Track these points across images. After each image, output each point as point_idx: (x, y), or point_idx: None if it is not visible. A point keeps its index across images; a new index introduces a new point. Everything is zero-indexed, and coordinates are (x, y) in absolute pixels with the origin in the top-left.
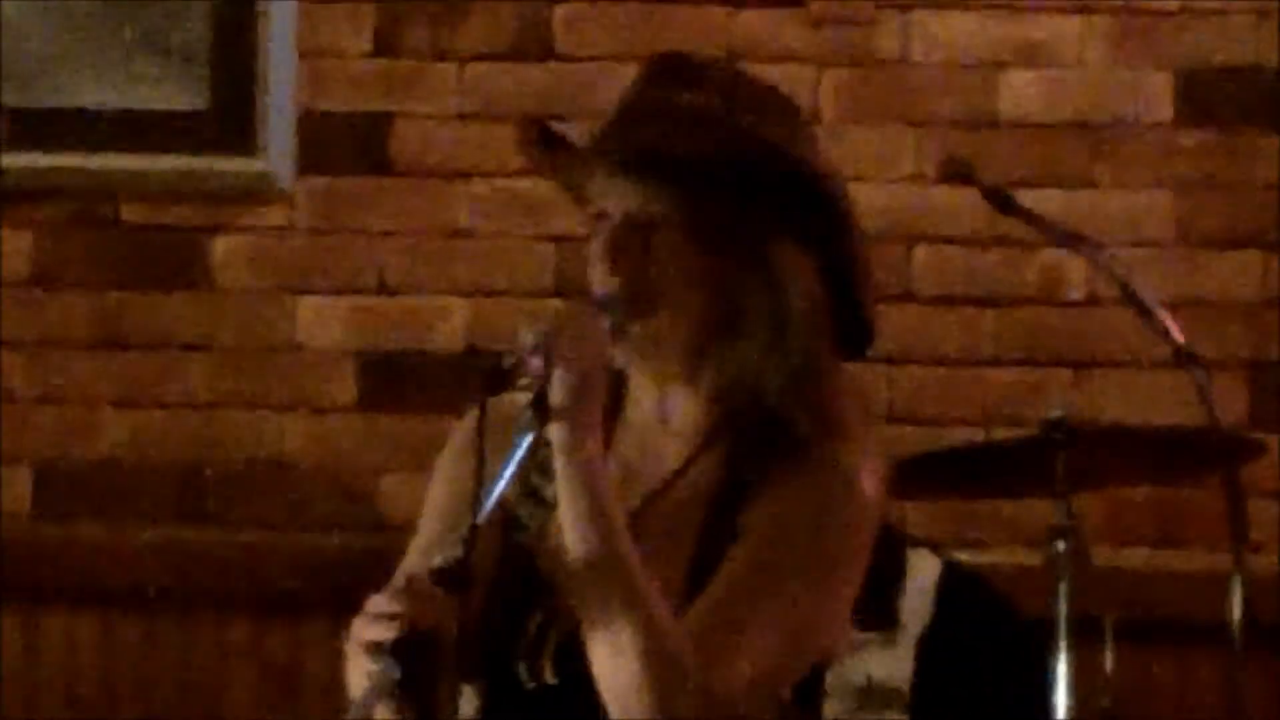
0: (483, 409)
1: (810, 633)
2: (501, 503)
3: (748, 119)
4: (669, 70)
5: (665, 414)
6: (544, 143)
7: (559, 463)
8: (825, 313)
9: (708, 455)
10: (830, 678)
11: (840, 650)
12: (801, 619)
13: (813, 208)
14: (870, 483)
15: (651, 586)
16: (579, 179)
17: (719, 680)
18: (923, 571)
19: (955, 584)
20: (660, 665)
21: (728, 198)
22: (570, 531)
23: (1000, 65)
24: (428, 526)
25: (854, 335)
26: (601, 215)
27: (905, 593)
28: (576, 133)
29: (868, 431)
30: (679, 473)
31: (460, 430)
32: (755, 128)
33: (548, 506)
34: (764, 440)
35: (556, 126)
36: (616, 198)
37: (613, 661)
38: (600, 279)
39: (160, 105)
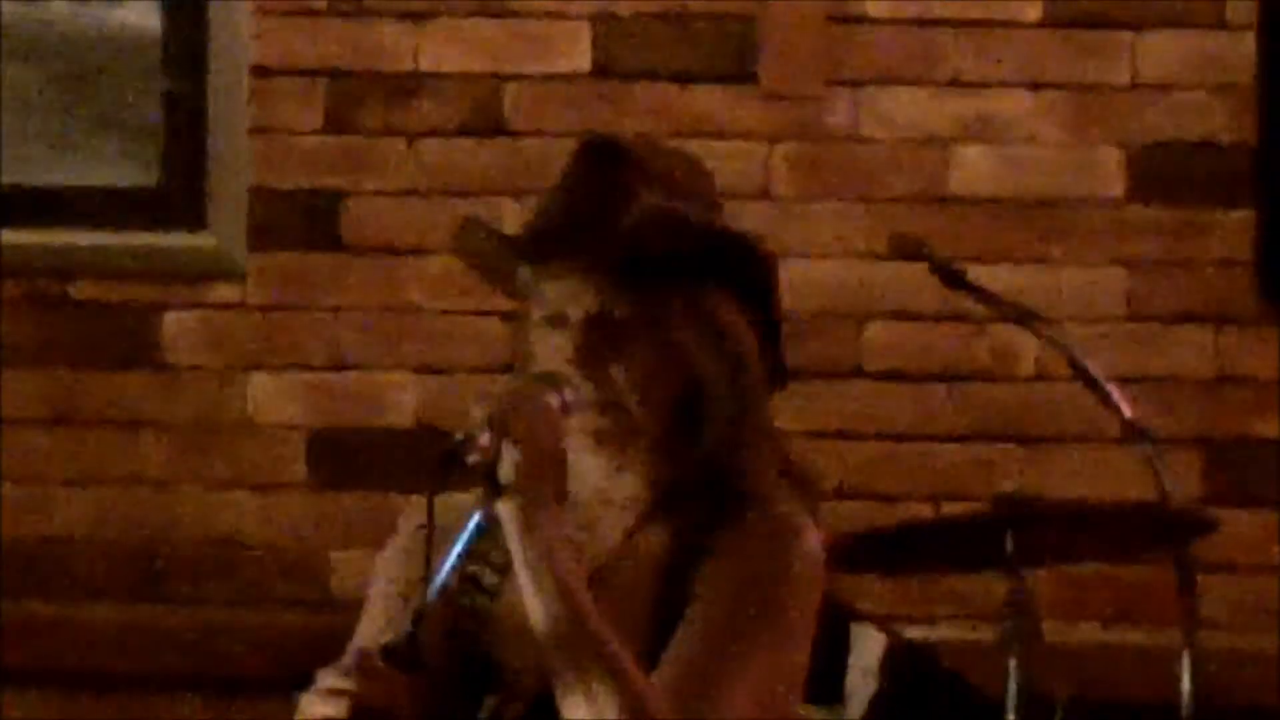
0: (431, 490)
1: (778, 682)
2: (444, 590)
3: (693, 207)
4: (605, 161)
5: (609, 492)
6: (489, 245)
7: (512, 539)
8: (763, 369)
9: (653, 525)
10: None
11: (800, 699)
12: (768, 670)
13: (748, 271)
14: (813, 535)
15: (625, 652)
16: (526, 280)
17: None
18: (867, 647)
19: (901, 660)
20: None
21: (685, 286)
22: (534, 607)
23: (952, 141)
24: (376, 607)
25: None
26: (555, 318)
27: (850, 668)
28: (520, 228)
29: (807, 490)
30: (625, 544)
31: (407, 514)
32: (702, 214)
33: (487, 593)
34: (709, 504)
35: (494, 230)
36: (576, 301)
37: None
38: (572, 383)
39: (112, 182)
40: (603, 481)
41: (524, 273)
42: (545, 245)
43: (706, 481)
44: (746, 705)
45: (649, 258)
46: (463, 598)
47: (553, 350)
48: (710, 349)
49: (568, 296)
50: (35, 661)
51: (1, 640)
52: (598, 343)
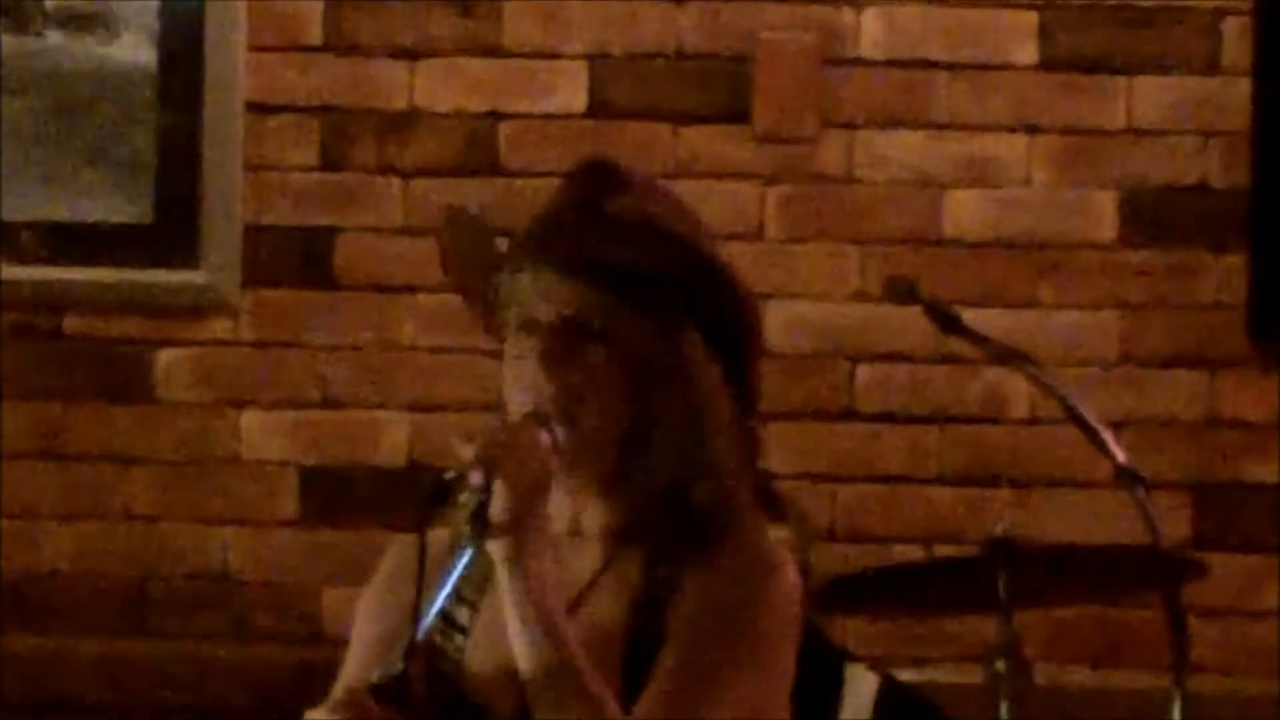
0: (421, 528)
1: (760, 713)
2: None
3: (681, 227)
4: (598, 176)
5: (577, 523)
6: (474, 239)
7: (502, 577)
8: (730, 405)
9: (623, 558)
10: None
11: None
12: (748, 702)
13: (728, 312)
14: (787, 566)
15: (606, 690)
16: (501, 282)
17: None
18: (860, 688)
19: (894, 701)
20: None
21: (657, 306)
22: (519, 642)
23: (945, 184)
24: (362, 645)
25: (749, 439)
26: (528, 322)
27: (843, 709)
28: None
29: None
30: (596, 579)
31: (393, 552)
32: (688, 235)
33: (463, 632)
34: (679, 537)
35: (479, 221)
36: (550, 303)
37: None
38: (535, 385)
39: (104, 218)
40: (571, 511)
41: (501, 277)
42: (527, 243)
43: (669, 513)
44: None
45: (626, 273)
46: (438, 636)
47: (522, 354)
48: (668, 383)
49: (542, 298)
50: (24, 695)
51: None
52: (565, 347)
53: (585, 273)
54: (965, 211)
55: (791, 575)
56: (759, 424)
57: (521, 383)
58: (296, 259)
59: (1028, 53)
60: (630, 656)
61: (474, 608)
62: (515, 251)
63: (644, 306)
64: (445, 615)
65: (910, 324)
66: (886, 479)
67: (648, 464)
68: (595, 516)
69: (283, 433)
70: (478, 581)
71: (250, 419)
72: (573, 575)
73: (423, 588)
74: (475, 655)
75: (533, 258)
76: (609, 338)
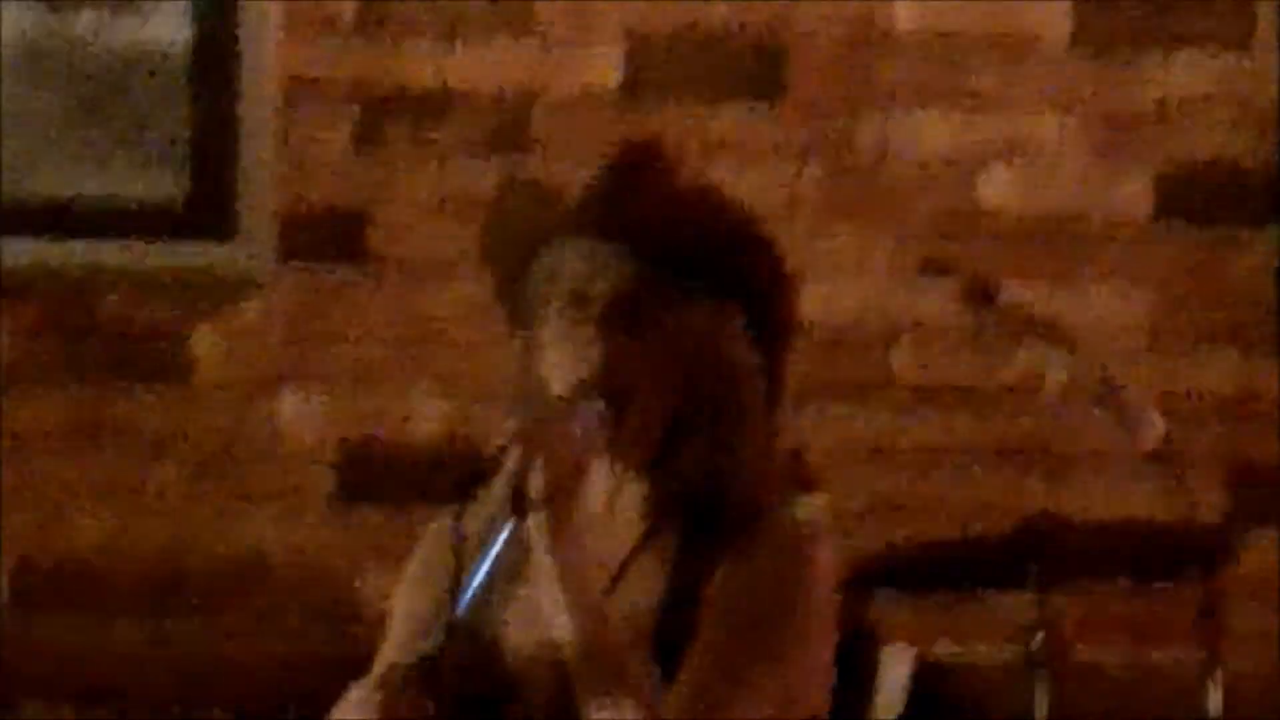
0: (460, 503)
1: (796, 695)
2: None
3: (732, 211)
4: (651, 155)
5: (615, 502)
6: (528, 208)
7: (539, 555)
8: (763, 385)
9: (660, 538)
10: None
11: (826, 710)
12: (785, 684)
13: (771, 295)
14: (823, 543)
15: (645, 667)
16: (543, 251)
17: None
18: (896, 669)
19: (929, 681)
20: None
21: (708, 287)
22: (558, 620)
23: (979, 163)
24: (401, 624)
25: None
26: (578, 298)
27: (878, 689)
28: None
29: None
30: (632, 558)
31: (431, 531)
32: (740, 219)
33: (502, 610)
34: (714, 515)
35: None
36: (604, 279)
37: None
38: (584, 361)
39: (139, 196)
40: (609, 490)
41: (548, 255)
42: (581, 217)
43: (707, 494)
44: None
45: (681, 254)
46: (476, 614)
47: (568, 330)
48: (714, 365)
49: (595, 273)
50: (57, 680)
51: (23, 658)
52: (617, 323)
53: (640, 250)
54: (999, 190)
55: (829, 554)
56: (786, 405)
57: (567, 360)
58: (331, 239)
59: (1062, 31)
60: (665, 636)
61: (513, 585)
62: (567, 224)
63: (695, 287)
64: (484, 593)
65: (946, 301)
66: (922, 456)
67: (690, 445)
68: (633, 496)
69: (318, 413)
70: (516, 559)
71: (285, 399)
72: (610, 554)
73: (460, 566)
74: (513, 633)
75: (586, 232)
76: (660, 317)
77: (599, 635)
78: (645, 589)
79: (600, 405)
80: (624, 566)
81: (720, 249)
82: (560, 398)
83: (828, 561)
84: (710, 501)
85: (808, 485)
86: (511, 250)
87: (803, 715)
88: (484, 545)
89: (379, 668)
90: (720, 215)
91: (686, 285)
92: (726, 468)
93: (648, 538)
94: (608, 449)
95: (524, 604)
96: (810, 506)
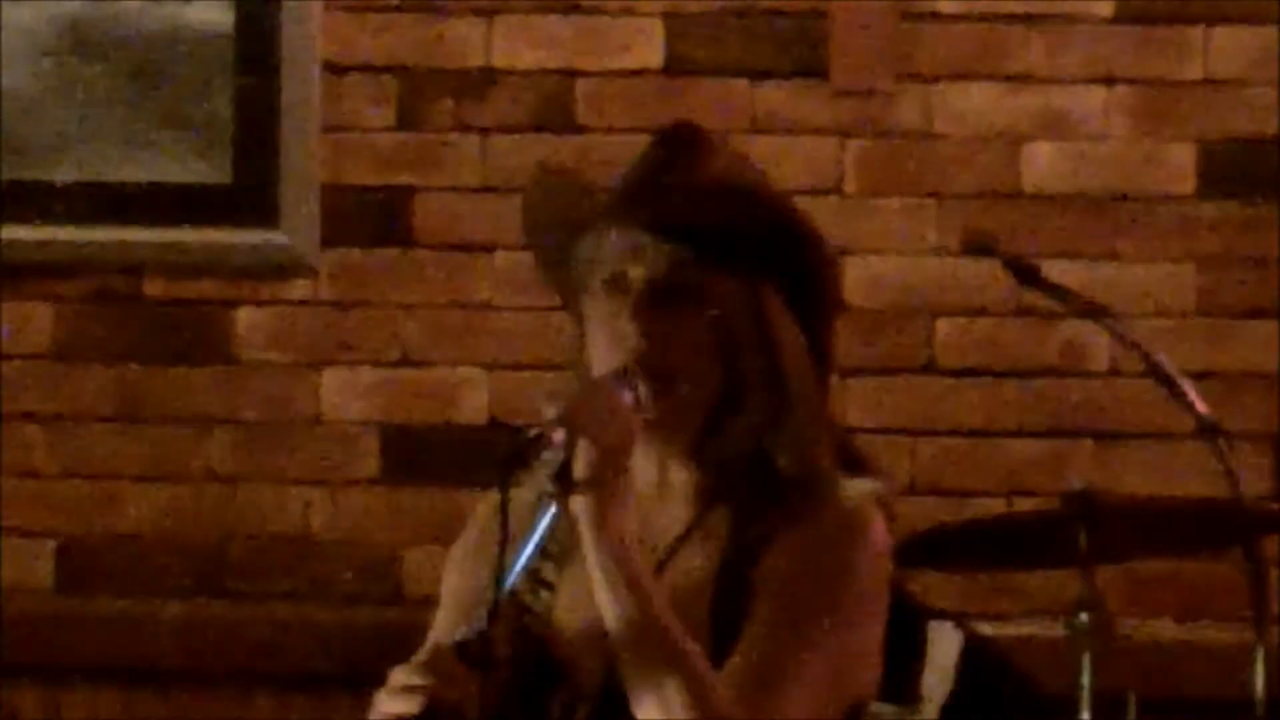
0: (504, 486)
1: (845, 675)
2: (516, 586)
3: (768, 191)
4: (687, 139)
5: (665, 483)
6: (563, 195)
7: (585, 535)
8: (811, 363)
9: (711, 518)
10: None
11: (874, 690)
12: (835, 664)
13: (809, 273)
14: (875, 522)
15: (693, 646)
16: (584, 235)
17: None
18: (944, 645)
19: (977, 657)
20: None
21: (745, 267)
22: (605, 602)
23: (1023, 137)
24: (448, 604)
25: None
26: (618, 282)
27: (927, 666)
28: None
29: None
30: (683, 538)
31: (479, 510)
32: (775, 199)
33: (550, 588)
34: (766, 496)
35: (572, 178)
36: (641, 263)
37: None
38: (625, 344)
39: (183, 179)
40: (658, 471)
41: (588, 235)
42: (617, 203)
43: (756, 474)
44: (809, 707)
45: (717, 235)
46: (525, 594)
47: (609, 313)
48: (755, 345)
49: (633, 258)
50: (104, 658)
51: (70, 637)
52: (656, 307)
53: (677, 234)
54: (1043, 165)
55: (880, 532)
56: (833, 383)
57: (608, 342)
58: (374, 219)
59: (1105, 4)
60: (717, 615)
61: (562, 565)
62: (604, 210)
63: (732, 268)
64: (533, 572)
65: (989, 278)
66: (966, 433)
67: (735, 425)
68: (683, 477)
69: (362, 393)
70: (566, 538)
71: (330, 379)
72: (661, 534)
73: (506, 547)
74: (563, 612)
75: (623, 218)
76: (699, 299)
77: (643, 615)
78: (697, 569)
79: (641, 387)
80: (675, 547)
81: (756, 230)
82: (603, 379)
83: (880, 544)
84: (762, 481)
85: (864, 468)
86: (551, 238)
87: (851, 695)
88: (530, 525)
89: (423, 650)
90: (755, 197)
91: (723, 267)
92: (774, 446)
93: (700, 518)
94: (650, 429)
95: (575, 583)
96: (864, 488)
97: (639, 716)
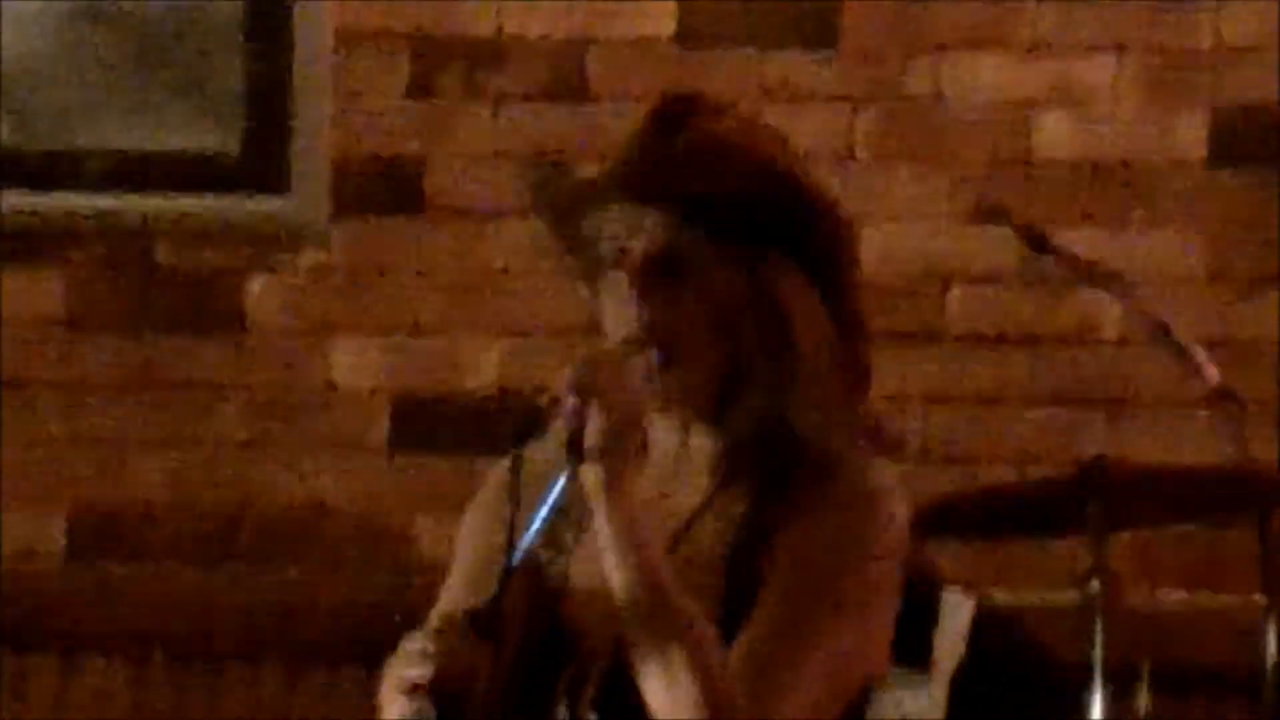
0: (516, 454)
1: (855, 659)
2: (528, 554)
3: (763, 152)
4: (676, 107)
5: (686, 452)
6: (560, 192)
7: (596, 504)
8: (830, 338)
9: (728, 491)
10: (867, 712)
11: (884, 674)
12: (845, 647)
13: (819, 237)
14: (894, 502)
15: (697, 609)
16: (587, 215)
17: (773, 715)
18: (957, 612)
19: (989, 625)
20: (715, 703)
21: (743, 234)
22: (614, 571)
23: (1034, 106)
24: (460, 571)
25: (854, 367)
26: (620, 256)
27: (939, 633)
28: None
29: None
30: (701, 510)
31: (492, 477)
32: (772, 159)
33: (567, 551)
34: (785, 471)
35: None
36: (638, 236)
37: (669, 694)
38: (629, 318)
39: (194, 147)
40: (679, 440)
41: (592, 219)
42: (611, 179)
43: (773, 445)
44: (817, 688)
45: (708, 203)
46: (542, 556)
47: (616, 288)
48: (761, 314)
49: (630, 231)
50: (114, 627)
51: (81, 607)
52: (655, 280)
53: (667, 204)
54: (1054, 134)
55: (898, 506)
56: (867, 348)
57: (615, 314)
58: (386, 187)
59: None
60: (733, 587)
61: (579, 529)
62: (601, 188)
63: (729, 235)
64: (549, 536)
65: (1000, 246)
66: (978, 402)
67: (747, 396)
68: (699, 449)
69: (373, 361)
70: (581, 503)
71: (341, 348)
72: (679, 506)
73: (517, 515)
74: (578, 576)
75: (617, 193)
76: (697, 269)
77: (649, 584)
78: (712, 542)
79: (649, 356)
80: (692, 519)
81: (754, 196)
82: (613, 348)
83: (896, 523)
84: (781, 453)
85: (888, 447)
86: (557, 215)
87: (861, 673)
88: (542, 494)
89: (435, 615)
90: (755, 163)
91: (727, 236)
92: (788, 415)
93: (717, 491)
94: (664, 398)
95: (587, 551)
96: (884, 468)
97: (644, 685)
